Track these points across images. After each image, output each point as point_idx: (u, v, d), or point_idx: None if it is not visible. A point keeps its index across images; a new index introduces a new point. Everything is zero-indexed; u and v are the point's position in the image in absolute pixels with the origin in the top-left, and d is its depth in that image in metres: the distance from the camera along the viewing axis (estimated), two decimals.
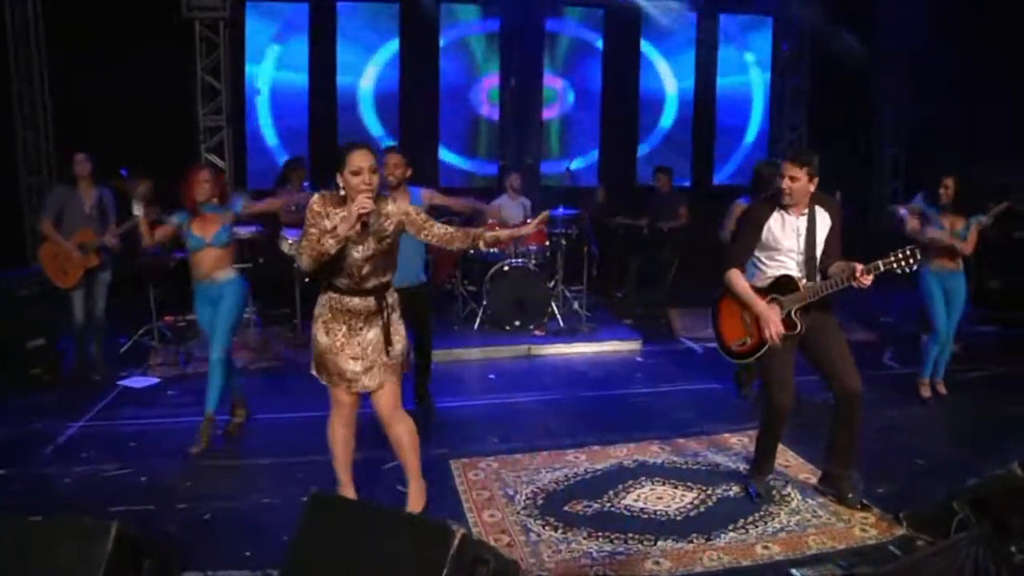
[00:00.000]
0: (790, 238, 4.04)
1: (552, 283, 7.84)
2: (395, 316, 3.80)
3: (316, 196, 3.64)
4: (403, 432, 3.90)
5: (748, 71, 10.00)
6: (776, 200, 4.06)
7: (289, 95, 9.16)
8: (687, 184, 9.71)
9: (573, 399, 6.05)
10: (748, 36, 9.92)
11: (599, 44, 9.71)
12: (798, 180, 3.92)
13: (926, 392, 5.87)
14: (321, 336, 3.74)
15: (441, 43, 9.30)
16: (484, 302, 7.53)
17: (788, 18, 9.36)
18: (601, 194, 8.68)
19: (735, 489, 4.43)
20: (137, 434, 5.23)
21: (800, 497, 4.32)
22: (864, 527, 3.98)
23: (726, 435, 5.24)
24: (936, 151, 7.74)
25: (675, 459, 4.85)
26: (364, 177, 3.47)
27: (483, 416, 5.65)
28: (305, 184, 7.83)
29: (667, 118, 10.04)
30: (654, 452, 4.96)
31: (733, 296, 4.17)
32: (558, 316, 7.75)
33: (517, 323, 7.55)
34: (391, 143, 5.68)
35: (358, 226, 3.48)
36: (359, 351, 3.72)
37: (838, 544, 3.82)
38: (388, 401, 3.83)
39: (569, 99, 9.82)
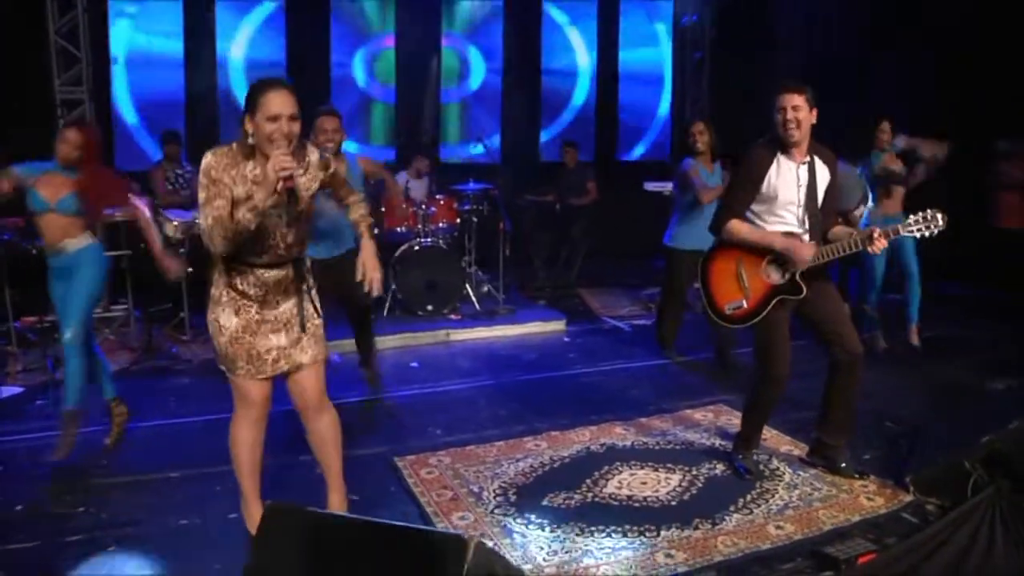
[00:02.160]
0: (790, 188, 3.65)
1: (465, 263, 7.27)
2: (311, 284, 3.16)
3: (209, 155, 2.83)
4: (329, 425, 3.26)
5: (659, 43, 9.76)
6: (776, 144, 3.66)
7: (151, 63, 8.05)
8: (591, 160, 9.34)
9: (511, 383, 5.52)
10: (656, 5, 9.66)
11: (501, 3, 9.17)
12: (800, 109, 3.53)
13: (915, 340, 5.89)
14: (229, 318, 2.99)
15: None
16: (393, 286, 6.86)
17: None
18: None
19: (720, 467, 4.04)
20: (4, 455, 4.25)
21: (791, 470, 3.99)
22: (869, 496, 3.69)
23: (687, 411, 4.87)
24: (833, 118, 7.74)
25: (644, 440, 4.42)
26: (282, 126, 2.74)
27: (417, 407, 5.02)
28: (188, 169, 6.88)
29: (577, 93, 9.64)
30: (619, 434, 4.52)
31: (729, 251, 3.76)
32: (473, 299, 7.19)
33: (430, 307, 6.93)
34: (327, 106, 4.91)
35: (284, 193, 2.78)
36: (281, 324, 3.04)
37: (851, 516, 3.50)
38: (316, 384, 3.17)
39: (472, 71, 9.20)
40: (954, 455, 3.57)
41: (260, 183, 2.76)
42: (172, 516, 3.53)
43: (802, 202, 3.66)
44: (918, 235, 3.48)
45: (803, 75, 8.76)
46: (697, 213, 5.48)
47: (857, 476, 3.84)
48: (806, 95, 3.54)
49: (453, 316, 6.95)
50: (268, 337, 3.03)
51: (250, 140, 2.82)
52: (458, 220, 7.27)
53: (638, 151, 9.97)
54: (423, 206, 7.08)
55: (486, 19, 9.18)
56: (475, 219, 7.32)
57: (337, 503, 3.30)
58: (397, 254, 6.87)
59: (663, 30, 9.78)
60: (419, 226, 7.04)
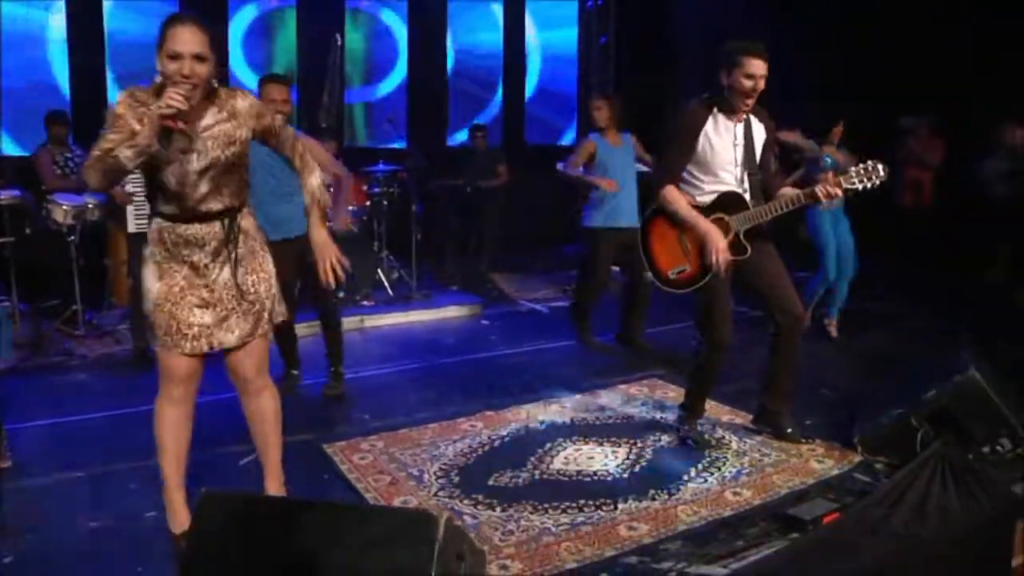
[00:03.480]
0: (727, 148, 3.55)
1: (376, 248, 6.94)
2: (255, 247, 2.82)
3: (123, 92, 2.56)
4: (268, 405, 2.97)
5: (564, 25, 9.60)
6: (714, 103, 3.56)
7: (29, 36, 7.29)
8: (499, 144, 9.15)
9: (435, 366, 5.27)
10: None
11: (403, 28, 8.86)
12: (764, 78, 3.44)
13: (833, 332, 5.81)
14: (152, 282, 2.70)
15: None
16: None
17: None
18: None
19: (665, 438, 3.93)
20: None
21: (736, 438, 3.92)
22: (819, 459, 3.65)
23: (622, 386, 4.75)
24: None
25: (583, 416, 4.27)
26: (184, 66, 2.44)
27: (340, 394, 4.69)
28: (78, 154, 6.26)
29: (480, 74, 9.42)
30: (555, 411, 4.35)
31: (668, 216, 3.64)
32: (386, 284, 6.88)
33: (341, 294, 6.55)
34: (276, 73, 4.48)
35: (159, 138, 2.43)
36: (208, 296, 2.73)
37: (806, 479, 3.45)
38: (253, 362, 2.87)
39: (378, 68, 8.83)
40: (898, 414, 3.58)
41: (146, 122, 2.43)
42: (80, 519, 3.10)
43: (739, 161, 3.58)
44: (860, 187, 3.44)
45: (707, 59, 8.92)
46: (607, 191, 5.38)
47: (804, 441, 3.81)
48: (767, 60, 3.45)
49: (366, 302, 6.63)
50: (192, 311, 2.71)
51: (158, 79, 2.53)
52: (368, 203, 6.94)
53: (555, 135, 9.85)
54: (330, 188, 6.69)
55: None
56: (385, 202, 7.01)
57: (274, 490, 2.99)
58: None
59: (571, 13, 9.68)
60: (328, 209, 6.64)
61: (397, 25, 9.01)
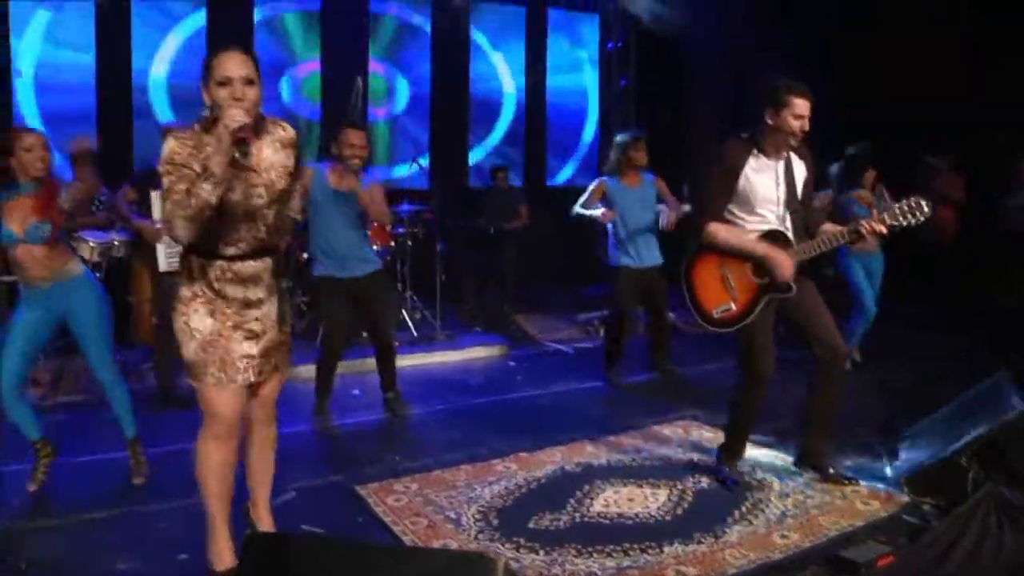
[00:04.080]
0: (768, 186, 3.53)
1: (401, 288, 6.92)
2: (289, 283, 2.89)
3: (171, 140, 2.55)
4: (275, 432, 3.06)
5: (582, 68, 9.71)
6: (754, 141, 3.55)
7: (67, 77, 7.41)
8: (520, 185, 9.19)
9: (462, 407, 5.21)
10: (581, 32, 9.64)
11: (427, 27, 8.93)
12: (810, 118, 3.44)
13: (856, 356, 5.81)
14: (202, 321, 2.66)
15: (256, 18, 8.03)
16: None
17: (615, 16, 9.24)
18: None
19: (705, 480, 3.85)
20: None
21: (778, 480, 3.84)
22: (864, 501, 3.57)
23: (656, 427, 4.67)
24: None
25: (619, 457, 4.19)
26: (235, 89, 2.49)
27: (369, 435, 4.66)
28: (104, 192, 6.29)
29: (503, 117, 9.47)
30: (590, 453, 4.27)
31: (711, 254, 3.60)
32: (410, 325, 6.84)
33: (365, 334, 6.52)
34: (353, 119, 4.59)
35: (235, 152, 2.46)
36: (256, 327, 2.72)
37: (854, 521, 3.36)
38: (275, 393, 2.96)
39: (398, 94, 8.92)
40: (946, 454, 3.50)
41: (214, 148, 2.44)
42: (108, 560, 3.04)
43: (782, 200, 3.56)
44: (904, 224, 3.42)
45: (722, 100, 9.00)
46: (626, 231, 5.44)
47: (847, 482, 3.72)
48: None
49: None
50: (242, 343, 2.70)
51: (206, 112, 2.57)
52: (392, 243, 6.94)
53: (565, 175, 9.90)
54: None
55: (413, 45, 8.97)
56: (410, 243, 7.01)
57: (265, 519, 3.02)
58: None
59: (587, 57, 9.78)
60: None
61: (422, 61, 9.14)
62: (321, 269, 4.71)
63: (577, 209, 5.62)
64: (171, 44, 7.82)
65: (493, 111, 9.45)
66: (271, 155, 2.64)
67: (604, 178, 5.56)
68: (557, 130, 9.69)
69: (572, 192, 8.05)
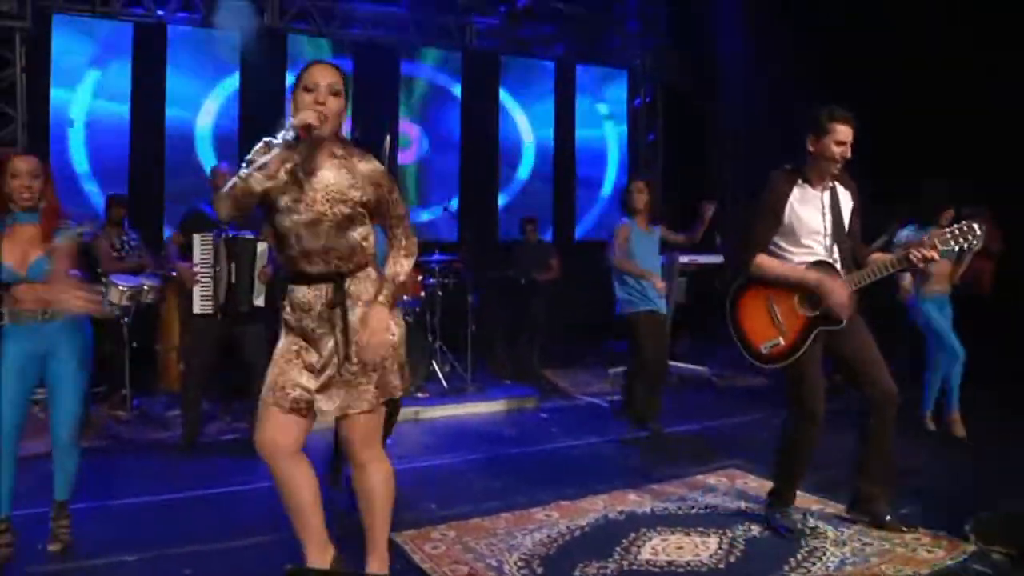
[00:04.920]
0: (814, 217, 3.48)
1: (431, 339, 6.85)
2: (367, 312, 2.66)
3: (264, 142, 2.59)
4: (378, 482, 2.83)
5: (602, 124, 9.80)
6: (797, 172, 3.51)
7: (109, 127, 7.55)
8: (548, 238, 9.18)
9: (498, 457, 5.07)
10: (603, 88, 9.76)
11: (457, 91, 9.08)
12: (852, 144, 3.39)
13: (931, 425, 5.44)
14: (280, 337, 2.75)
15: (288, 80, 8.20)
16: None
17: (642, 72, 9.36)
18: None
19: (756, 528, 3.68)
20: None
21: (831, 527, 3.66)
22: (927, 548, 3.39)
23: (699, 476, 4.52)
24: None
25: (664, 506, 4.04)
26: (319, 95, 2.54)
27: (401, 482, 4.44)
28: (132, 235, 6.35)
29: (528, 170, 9.55)
30: (634, 501, 4.12)
31: (756, 289, 3.52)
32: (440, 376, 6.75)
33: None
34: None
35: (294, 158, 2.51)
36: (316, 362, 2.66)
37: (920, 569, 3.18)
38: (357, 435, 2.73)
39: (425, 146, 9.03)
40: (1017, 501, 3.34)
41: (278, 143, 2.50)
42: None
43: (829, 231, 3.49)
44: (956, 248, 3.33)
45: (748, 153, 9.00)
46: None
47: (906, 529, 3.54)
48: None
49: (420, 395, 6.48)
50: (300, 372, 2.66)
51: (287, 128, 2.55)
52: (422, 294, 6.89)
53: (585, 228, 9.90)
54: None
55: (442, 103, 9.12)
56: (440, 293, 6.97)
57: (376, 569, 2.85)
58: None
59: (613, 111, 9.85)
60: (401, 297, 6.61)
61: (452, 118, 9.23)
62: None
63: (625, 264, 5.38)
64: (211, 104, 8.01)
65: (520, 165, 9.51)
66: (330, 176, 2.61)
67: (626, 220, 5.49)
68: (583, 184, 9.72)
69: (598, 245, 8.06)
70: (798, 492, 3.95)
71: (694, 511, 3.95)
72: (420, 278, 6.90)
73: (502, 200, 9.40)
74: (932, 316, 5.41)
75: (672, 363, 7.58)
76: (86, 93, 7.52)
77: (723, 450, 5.04)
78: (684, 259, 7.22)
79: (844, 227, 3.51)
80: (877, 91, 8.04)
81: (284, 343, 2.72)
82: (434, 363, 6.76)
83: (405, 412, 6.03)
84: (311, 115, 2.47)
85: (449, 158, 9.07)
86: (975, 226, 3.30)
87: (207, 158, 7.92)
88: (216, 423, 5.62)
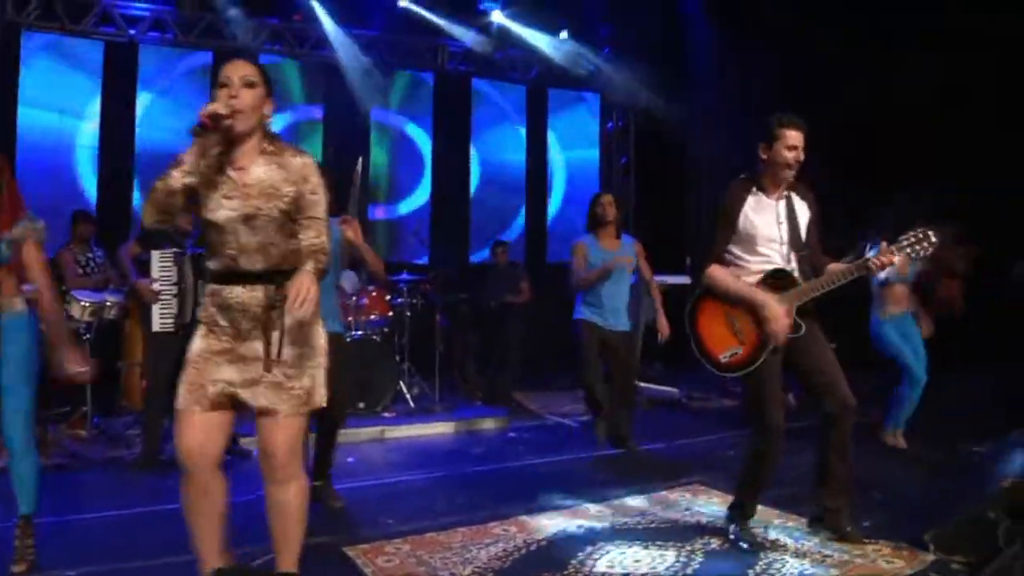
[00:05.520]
0: (769, 225, 3.47)
1: (398, 358, 6.77)
2: (304, 320, 2.61)
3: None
4: (294, 495, 2.68)
5: (575, 147, 9.84)
6: (754, 180, 3.51)
7: (74, 144, 7.51)
8: (521, 261, 9.16)
9: (463, 474, 5.00)
10: (576, 111, 9.82)
11: (427, 145, 9.14)
12: (804, 148, 3.40)
13: (893, 441, 5.41)
14: (196, 342, 2.60)
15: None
16: None
17: (614, 96, 9.42)
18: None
19: (715, 542, 3.62)
20: None
21: (792, 540, 3.61)
22: (887, 559, 3.35)
23: (663, 492, 4.46)
24: None
25: (624, 520, 3.97)
26: (232, 89, 2.50)
27: (361, 499, 4.42)
28: (98, 253, 6.27)
29: (497, 193, 9.57)
30: (594, 516, 4.05)
31: (716, 297, 3.50)
32: (408, 396, 6.67)
33: (361, 405, 6.37)
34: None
35: (211, 151, 2.46)
36: (244, 355, 2.57)
37: None
38: (284, 438, 2.60)
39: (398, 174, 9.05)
40: (974, 508, 3.30)
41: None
42: None
43: (785, 239, 3.48)
44: (913, 255, 3.34)
45: (724, 176, 9.04)
46: (598, 289, 5.25)
47: (866, 541, 3.49)
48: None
49: (387, 414, 6.40)
50: (223, 367, 2.56)
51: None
52: (390, 313, 6.84)
53: (564, 251, 9.86)
54: (354, 298, 6.65)
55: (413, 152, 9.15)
56: (408, 313, 6.91)
57: (289, 566, 2.72)
58: None
59: (586, 134, 9.90)
60: (350, 319, 6.57)
61: (422, 141, 9.21)
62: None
63: (579, 278, 5.32)
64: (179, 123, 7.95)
65: (494, 188, 9.53)
66: (261, 172, 2.55)
67: (584, 237, 5.41)
68: (563, 207, 9.74)
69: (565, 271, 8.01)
70: (762, 506, 3.92)
71: (654, 525, 3.89)
72: (388, 298, 6.85)
73: (474, 223, 9.39)
74: (891, 339, 5.44)
75: (644, 385, 7.58)
76: (53, 110, 7.46)
77: (688, 467, 5.00)
78: (656, 279, 7.19)
79: (801, 236, 3.50)
80: (853, 113, 8.18)
81: (202, 345, 2.59)
82: (401, 383, 6.68)
83: (370, 431, 6.02)
84: (218, 105, 2.43)
85: (420, 182, 9.07)
86: (930, 232, 3.31)
87: None
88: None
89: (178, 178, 2.42)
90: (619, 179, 9.34)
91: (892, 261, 3.32)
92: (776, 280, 3.42)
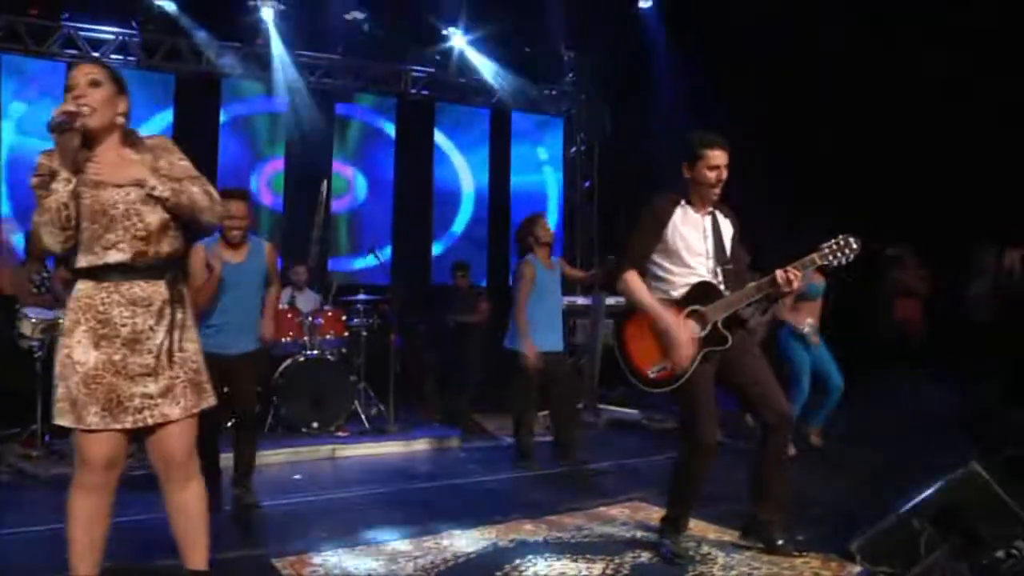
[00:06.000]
0: (696, 238, 3.48)
1: (353, 378, 6.72)
2: (189, 315, 2.67)
3: (43, 153, 2.57)
4: (193, 496, 2.68)
5: (542, 169, 9.88)
6: (682, 195, 3.54)
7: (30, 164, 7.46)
8: (484, 283, 9.15)
9: (407, 491, 4.97)
10: (541, 134, 9.85)
11: (391, 131, 9.14)
12: (727, 167, 3.43)
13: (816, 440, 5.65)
14: (86, 352, 2.48)
15: (222, 119, 8.22)
16: (274, 400, 6.24)
17: (578, 122, 9.51)
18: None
19: (646, 555, 3.60)
20: None
21: (723, 553, 3.59)
22: (816, 572, 3.33)
23: (602, 508, 4.42)
24: None
25: (558, 535, 3.93)
26: (78, 90, 2.51)
27: (300, 514, 4.38)
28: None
29: (463, 216, 9.57)
30: (529, 531, 4.01)
31: (643, 312, 3.49)
32: (362, 416, 6.62)
33: (315, 424, 6.32)
34: (234, 187, 4.45)
35: (78, 154, 2.44)
36: (152, 362, 2.52)
37: None
38: (185, 442, 2.62)
39: (360, 191, 9.05)
40: (898, 517, 3.29)
41: (58, 148, 2.47)
42: None
43: (711, 253, 3.50)
44: (835, 263, 3.36)
45: None
46: (536, 309, 5.30)
47: (796, 553, 3.48)
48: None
49: (340, 433, 6.35)
50: (136, 381, 2.51)
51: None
52: (346, 333, 6.81)
53: None
54: (309, 317, 6.62)
55: (376, 145, 9.16)
56: (364, 333, 6.89)
57: (199, 563, 2.68)
58: (281, 368, 6.33)
59: (548, 157, 9.94)
60: (305, 338, 6.53)
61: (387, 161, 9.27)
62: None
63: (520, 314, 5.32)
64: None
65: (454, 210, 9.55)
66: (128, 166, 2.57)
67: (530, 256, 5.44)
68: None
69: None
70: (701, 522, 3.95)
71: (587, 540, 3.86)
72: (344, 318, 6.83)
73: (436, 247, 9.40)
74: (794, 350, 5.56)
75: (603, 407, 7.57)
76: (9, 128, 7.44)
77: (632, 484, 4.97)
78: (611, 300, 7.23)
79: (726, 250, 3.52)
80: (822, 140, 8.27)
81: (100, 355, 2.48)
82: (356, 403, 6.63)
83: (321, 450, 5.98)
84: (68, 104, 2.46)
85: (383, 202, 9.08)
86: (851, 240, 3.34)
87: None
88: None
89: (63, 188, 2.40)
90: (582, 203, 9.39)
91: (797, 275, 3.33)
92: (701, 293, 3.43)
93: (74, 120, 2.41)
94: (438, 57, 8.66)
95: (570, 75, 9.37)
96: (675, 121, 8.83)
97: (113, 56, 7.54)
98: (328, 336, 6.66)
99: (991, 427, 5.44)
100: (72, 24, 7.43)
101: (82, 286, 2.54)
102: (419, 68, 8.73)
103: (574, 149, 9.58)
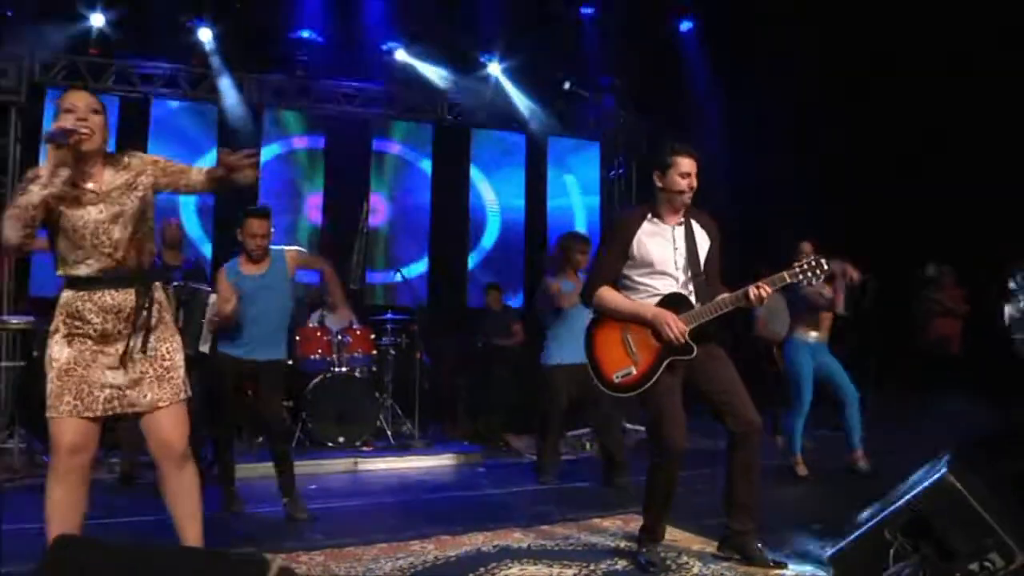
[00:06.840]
0: (664, 250, 3.51)
1: (380, 395, 6.91)
2: (167, 318, 2.91)
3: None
4: (193, 480, 2.89)
5: (569, 194, 9.98)
6: (651, 207, 3.59)
7: None
8: (520, 306, 9.26)
9: (412, 501, 5.09)
10: (572, 159, 9.98)
11: (427, 166, 9.42)
12: (697, 175, 3.49)
13: (802, 471, 5.42)
14: (61, 350, 2.74)
15: (264, 153, 8.64)
16: (304, 415, 6.47)
17: (615, 144, 9.59)
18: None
19: (622, 563, 3.62)
20: None
21: (700, 563, 3.58)
22: None
23: (596, 520, 4.45)
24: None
25: (543, 543, 3.98)
26: (79, 113, 2.72)
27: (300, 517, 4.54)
28: None
29: (489, 237, 9.76)
30: (516, 538, 4.07)
31: (610, 318, 3.55)
32: (388, 432, 6.79)
33: (341, 439, 6.52)
34: (257, 207, 4.70)
35: (65, 168, 2.64)
36: (120, 357, 2.77)
37: None
38: (177, 426, 2.84)
39: (396, 212, 9.35)
40: (869, 527, 3.23)
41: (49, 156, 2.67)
42: None
43: (680, 265, 3.52)
44: (804, 282, 3.37)
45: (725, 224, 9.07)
46: (565, 325, 5.33)
47: (773, 564, 3.45)
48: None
49: (365, 448, 6.52)
50: (104, 372, 2.75)
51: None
52: (374, 351, 7.01)
53: None
54: (339, 335, 6.84)
55: (415, 174, 9.45)
56: (392, 351, 7.08)
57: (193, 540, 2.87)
58: (311, 384, 6.56)
59: (585, 181, 10.04)
60: (334, 355, 6.76)
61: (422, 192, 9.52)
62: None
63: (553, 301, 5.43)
64: None
65: (489, 234, 9.73)
66: (114, 176, 2.81)
67: (551, 278, 5.54)
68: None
69: None
70: (688, 533, 3.97)
71: (571, 548, 3.90)
72: (372, 336, 7.03)
73: (472, 266, 9.58)
74: (798, 360, 5.43)
75: (631, 426, 7.54)
76: None
77: (634, 500, 4.94)
78: None
79: (699, 262, 3.54)
80: (854, 158, 8.19)
81: (72, 351, 2.72)
82: (382, 419, 6.80)
83: (344, 463, 6.15)
84: (69, 118, 2.66)
85: (420, 229, 9.33)
86: (822, 261, 3.35)
87: (192, 227, 8.31)
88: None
89: (37, 192, 2.61)
90: None
91: (768, 291, 3.34)
92: (671, 304, 3.46)
93: (70, 136, 2.64)
94: (475, 84, 8.89)
95: (608, 100, 9.48)
96: (713, 143, 8.86)
97: (161, 89, 8.07)
98: (356, 354, 6.87)
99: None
100: (121, 61, 8.01)
101: (64, 293, 2.81)
102: (456, 96, 8.99)
103: (612, 172, 9.66)
